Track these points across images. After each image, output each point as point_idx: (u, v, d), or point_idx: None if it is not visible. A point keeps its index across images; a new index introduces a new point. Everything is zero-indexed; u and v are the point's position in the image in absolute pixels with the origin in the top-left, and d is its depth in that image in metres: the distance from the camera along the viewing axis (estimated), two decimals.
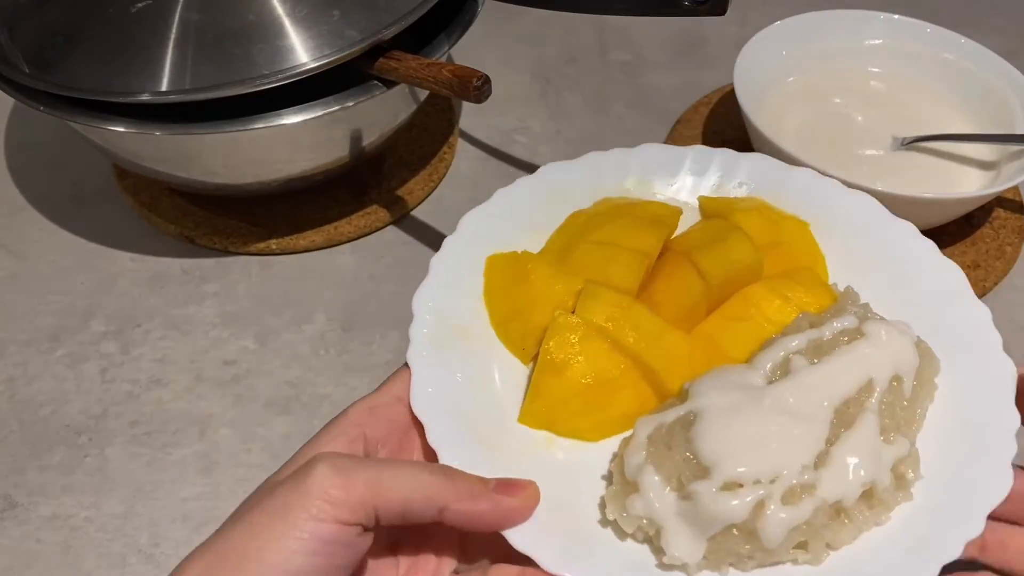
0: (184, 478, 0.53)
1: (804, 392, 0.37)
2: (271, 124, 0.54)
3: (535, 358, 0.41)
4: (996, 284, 0.62)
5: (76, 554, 0.50)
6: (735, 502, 0.34)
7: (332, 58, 0.53)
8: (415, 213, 0.67)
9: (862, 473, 0.35)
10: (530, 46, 0.82)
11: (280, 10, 0.55)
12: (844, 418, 0.37)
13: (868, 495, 0.36)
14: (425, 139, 0.71)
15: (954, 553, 0.35)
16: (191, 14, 0.54)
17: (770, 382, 0.38)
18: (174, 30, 0.54)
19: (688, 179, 0.48)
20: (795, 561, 0.35)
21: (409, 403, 0.39)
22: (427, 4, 0.56)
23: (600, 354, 0.40)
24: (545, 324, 0.41)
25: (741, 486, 0.35)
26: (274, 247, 0.64)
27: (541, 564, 0.35)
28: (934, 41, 0.70)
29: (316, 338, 0.59)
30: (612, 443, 0.40)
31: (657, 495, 0.35)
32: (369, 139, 0.61)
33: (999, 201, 0.67)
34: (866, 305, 0.41)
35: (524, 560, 0.35)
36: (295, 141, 0.57)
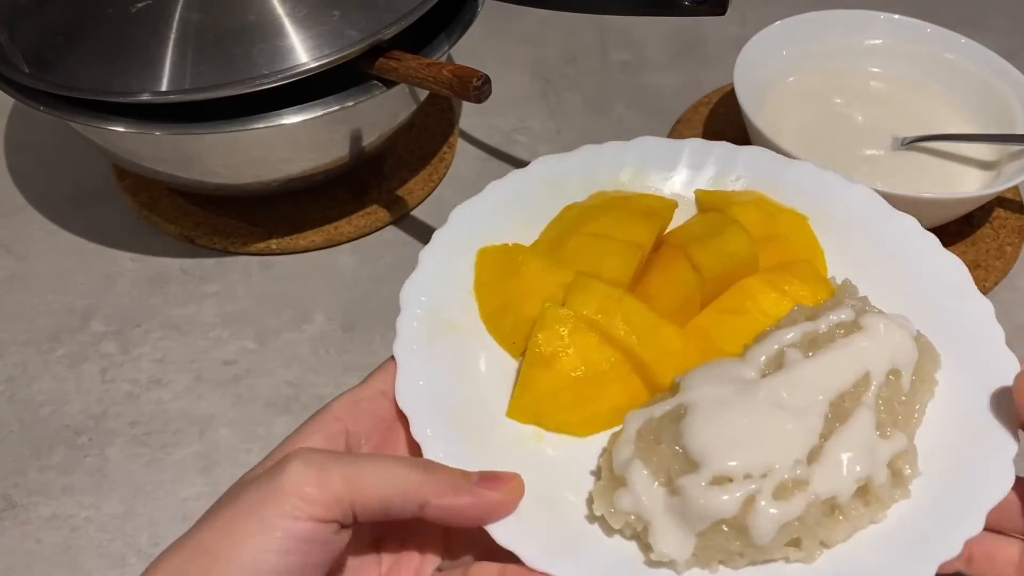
0: (184, 478, 0.53)
1: (798, 385, 0.36)
2: (271, 124, 0.54)
3: (525, 352, 0.41)
4: (996, 284, 0.62)
5: (76, 554, 0.50)
6: (724, 497, 0.33)
7: (332, 58, 0.53)
8: (415, 213, 0.67)
9: (857, 468, 0.35)
10: (530, 46, 0.81)
11: (280, 10, 0.55)
12: (839, 412, 0.36)
13: (864, 491, 0.35)
14: (425, 139, 0.71)
15: (953, 551, 0.34)
16: (191, 14, 0.54)
17: (763, 375, 0.37)
18: (174, 30, 0.54)
19: (685, 172, 0.48)
20: (787, 559, 0.35)
21: (394, 397, 0.38)
22: (427, 4, 0.56)
23: (590, 347, 0.39)
24: (536, 317, 0.40)
25: (731, 480, 0.34)
26: (274, 247, 0.64)
27: (524, 560, 0.34)
28: (934, 41, 0.70)
29: (316, 338, 0.59)
30: (602, 438, 0.39)
31: (645, 490, 0.35)
32: (369, 139, 0.61)
33: (999, 201, 0.67)
34: (864, 298, 0.41)
35: (509, 557, 0.34)
36: (295, 141, 0.57)
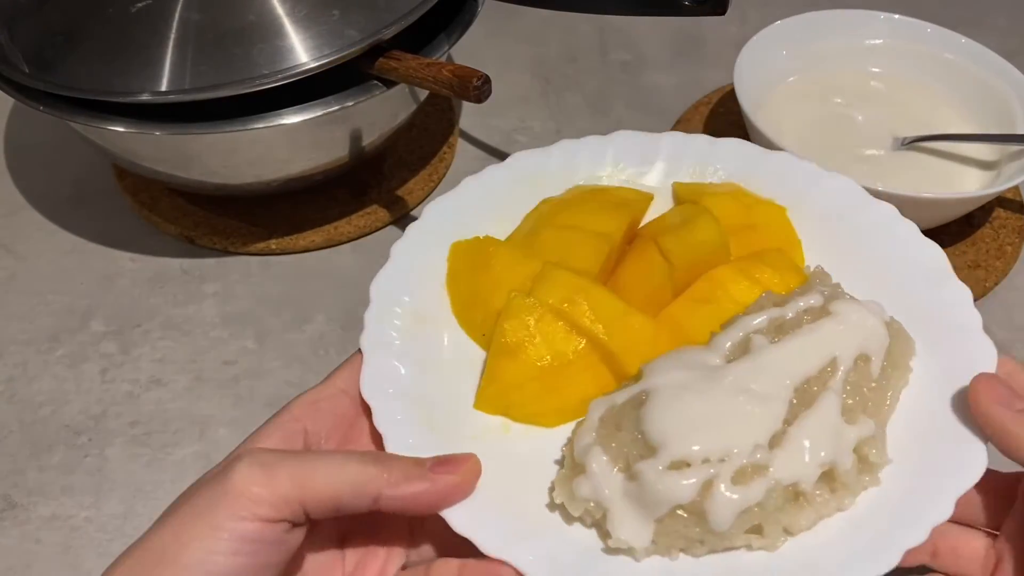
0: (184, 478, 0.53)
1: (762, 371, 0.36)
2: (271, 124, 0.54)
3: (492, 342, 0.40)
4: (996, 284, 0.62)
5: (76, 554, 0.50)
6: (681, 481, 0.33)
7: (332, 58, 0.53)
8: (415, 213, 0.67)
9: (822, 454, 0.34)
10: (530, 46, 0.81)
11: (280, 10, 0.54)
12: (805, 397, 0.35)
13: (829, 478, 0.35)
14: (425, 139, 0.71)
15: (919, 538, 0.33)
16: (191, 14, 0.54)
17: (729, 361, 0.37)
18: (174, 30, 0.54)
19: (664, 166, 0.47)
20: (749, 547, 0.34)
21: (354, 395, 0.38)
22: (427, 4, 0.56)
23: (557, 337, 0.39)
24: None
25: (688, 465, 0.33)
26: (274, 247, 0.64)
27: (480, 547, 0.34)
28: (934, 41, 0.70)
29: (316, 338, 0.59)
30: (570, 429, 0.39)
31: (604, 476, 0.34)
32: (369, 139, 0.61)
33: (999, 201, 0.67)
34: (836, 285, 0.40)
35: (474, 552, 0.34)
36: (295, 141, 0.57)
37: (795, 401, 0.35)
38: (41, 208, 0.67)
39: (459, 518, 0.34)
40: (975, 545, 0.38)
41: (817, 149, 0.63)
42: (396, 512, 0.34)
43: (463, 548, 0.34)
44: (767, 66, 0.67)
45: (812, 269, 0.42)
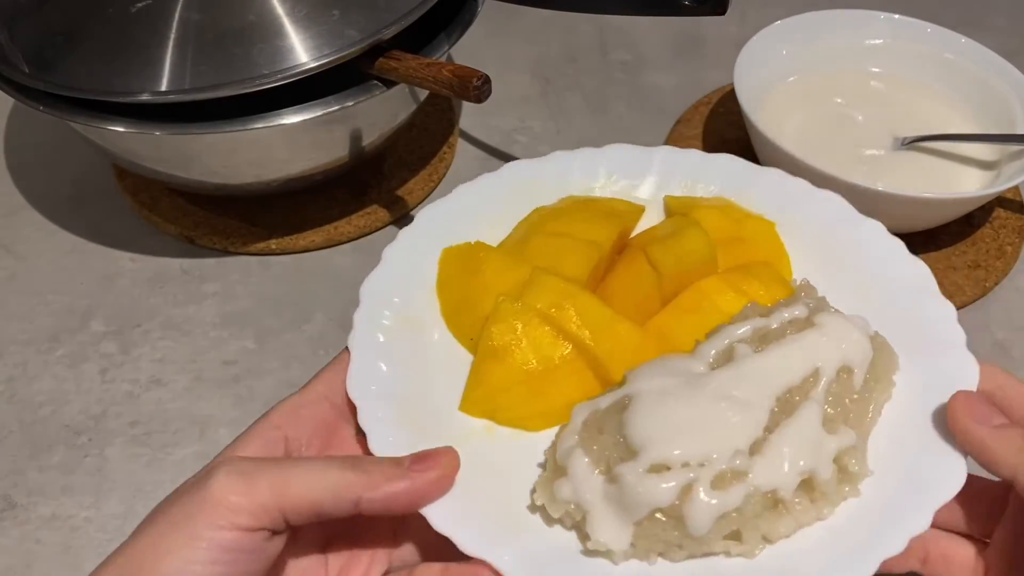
0: (184, 478, 0.52)
1: (745, 379, 0.36)
2: (271, 124, 0.54)
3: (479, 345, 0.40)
4: (996, 284, 0.62)
5: (76, 554, 0.49)
6: (660, 485, 0.33)
7: (332, 58, 0.53)
8: (415, 213, 0.67)
9: (801, 462, 0.34)
10: (530, 46, 0.81)
11: (280, 10, 0.55)
12: (786, 407, 0.36)
13: (809, 487, 0.35)
14: (425, 139, 0.71)
15: (896, 548, 0.33)
16: (191, 14, 0.54)
17: (713, 369, 0.37)
18: (174, 30, 0.54)
19: (656, 179, 0.48)
20: (728, 553, 0.34)
21: (335, 400, 0.38)
22: (427, 4, 0.56)
23: (544, 341, 0.40)
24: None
25: (668, 469, 0.34)
26: (274, 247, 0.64)
27: (460, 546, 0.34)
28: (934, 41, 0.70)
29: (316, 338, 0.59)
30: (554, 433, 0.39)
31: (584, 479, 0.34)
32: (369, 139, 0.61)
33: (999, 201, 0.67)
34: (822, 298, 0.40)
35: (459, 556, 0.34)
36: (295, 141, 0.57)
37: (776, 409, 0.35)
38: (41, 208, 0.67)
39: (440, 517, 0.34)
40: (965, 552, 0.38)
41: (817, 149, 0.63)
42: (378, 513, 0.34)
43: (445, 549, 0.34)
44: (767, 66, 0.67)
45: (799, 282, 0.42)
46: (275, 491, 0.32)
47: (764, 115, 0.64)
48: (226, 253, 0.64)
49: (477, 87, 0.50)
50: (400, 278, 0.42)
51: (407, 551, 0.38)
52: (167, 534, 0.32)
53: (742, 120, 0.63)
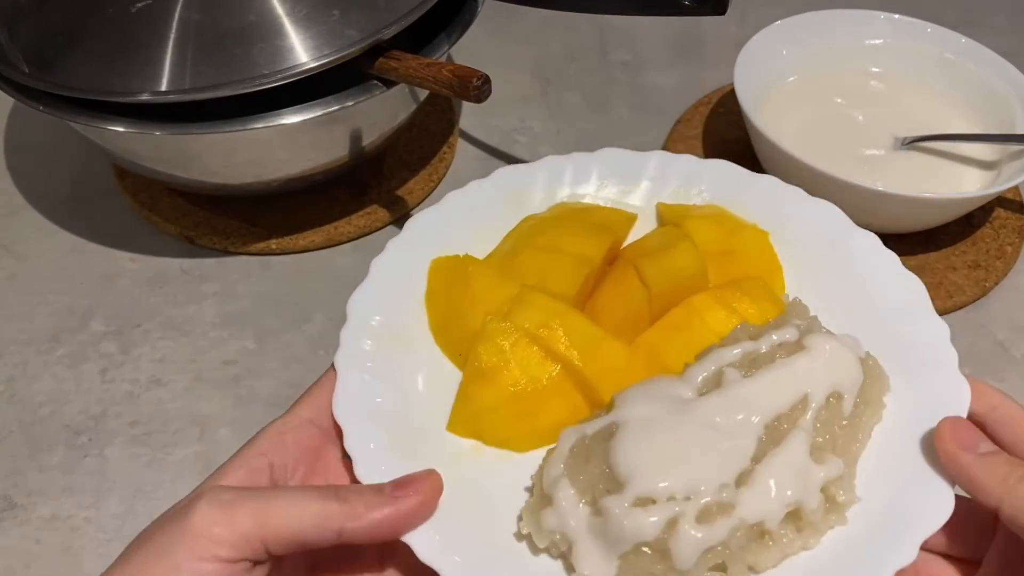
0: (184, 478, 0.53)
1: (733, 406, 0.35)
2: (271, 124, 0.54)
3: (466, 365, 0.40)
4: (996, 284, 0.62)
5: (76, 554, 0.49)
6: (646, 519, 0.33)
7: (332, 58, 0.53)
8: (415, 213, 0.67)
9: (787, 493, 0.34)
10: (530, 46, 0.82)
11: (280, 10, 0.55)
12: (774, 435, 0.35)
13: (795, 517, 0.34)
14: (425, 139, 0.71)
15: None
16: (191, 14, 0.54)
17: (700, 395, 0.36)
18: (174, 30, 0.54)
19: (649, 185, 0.47)
20: None
21: (320, 424, 0.37)
22: (427, 4, 0.56)
23: (532, 362, 0.39)
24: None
25: (654, 502, 0.33)
26: (274, 247, 0.64)
27: None
28: (934, 41, 0.70)
29: (316, 338, 0.59)
30: (541, 454, 0.38)
31: (570, 509, 0.34)
32: (369, 139, 0.61)
33: (999, 201, 0.67)
34: (813, 318, 0.40)
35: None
36: (295, 141, 0.57)
37: (764, 438, 0.35)
38: (41, 208, 0.67)
39: (425, 547, 0.34)
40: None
41: (817, 149, 0.63)
42: (362, 542, 0.34)
43: (432, 574, 0.34)
44: (767, 66, 0.67)
45: (790, 300, 0.42)
46: (257, 522, 0.32)
47: (764, 115, 0.64)
48: (226, 253, 0.64)
49: (477, 87, 0.50)
50: (387, 292, 0.42)
51: (390, 573, 0.37)
52: (149, 564, 0.32)
53: (742, 120, 0.63)
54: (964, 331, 0.60)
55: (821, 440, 0.36)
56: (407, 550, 0.34)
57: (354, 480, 0.36)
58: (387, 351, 0.40)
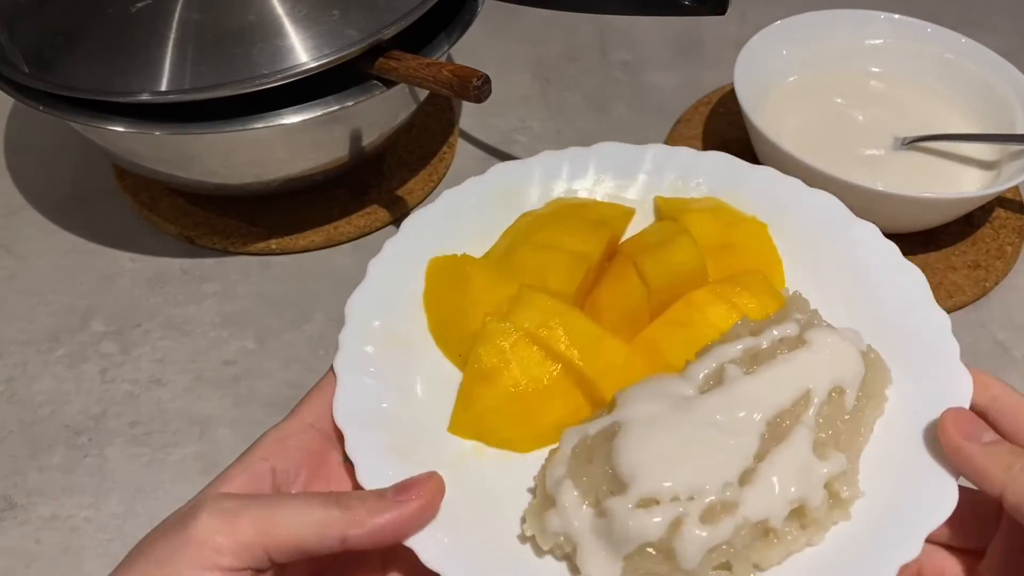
0: (184, 478, 0.53)
1: (735, 404, 0.35)
2: (271, 124, 0.54)
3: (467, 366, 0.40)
4: (996, 284, 0.62)
5: (76, 554, 0.49)
6: (650, 519, 0.33)
7: (332, 58, 0.53)
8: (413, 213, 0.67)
9: (791, 490, 0.34)
10: (530, 46, 0.82)
11: (280, 10, 0.54)
12: (776, 432, 0.35)
13: (799, 514, 0.34)
14: (425, 139, 0.71)
15: None
16: (191, 14, 0.54)
17: (702, 392, 0.36)
18: (174, 30, 0.54)
19: (646, 179, 0.47)
20: None
21: (322, 428, 0.37)
22: (427, 4, 0.56)
23: (532, 362, 0.39)
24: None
25: (657, 503, 0.33)
26: (274, 247, 0.64)
27: None
28: (935, 41, 0.70)
29: (315, 338, 0.59)
30: (543, 455, 0.38)
31: (574, 511, 0.34)
32: (369, 139, 0.61)
33: (999, 201, 0.67)
34: (814, 311, 0.40)
35: None
36: (295, 141, 0.57)
37: (767, 435, 0.35)
38: (41, 208, 0.67)
39: (429, 551, 0.34)
40: (960, 567, 0.37)
41: (817, 149, 0.63)
42: (365, 548, 0.34)
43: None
44: (767, 66, 0.67)
45: (790, 294, 0.42)
46: (258, 531, 0.32)
47: (764, 115, 0.64)
48: (226, 253, 0.64)
49: (477, 87, 0.50)
50: (385, 293, 0.42)
51: (396, 570, 0.37)
52: (150, 572, 0.32)
53: (742, 120, 0.63)
54: (964, 331, 0.59)
55: (824, 436, 0.36)
56: (410, 554, 0.34)
57: (356, 485, 0.36)
58: (386, 353, 0.40)
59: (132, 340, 0.59)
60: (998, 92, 0.67)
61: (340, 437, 0.37)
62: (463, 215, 0.45)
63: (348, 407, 0.38)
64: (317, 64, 0.52)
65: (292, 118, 0.54)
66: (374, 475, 0.36)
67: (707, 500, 0.33)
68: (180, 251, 0.64)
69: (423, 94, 0.63)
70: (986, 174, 0.64)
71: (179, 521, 0.33)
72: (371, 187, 0.67)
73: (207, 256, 0.64)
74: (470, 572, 0.34)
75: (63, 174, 0.69)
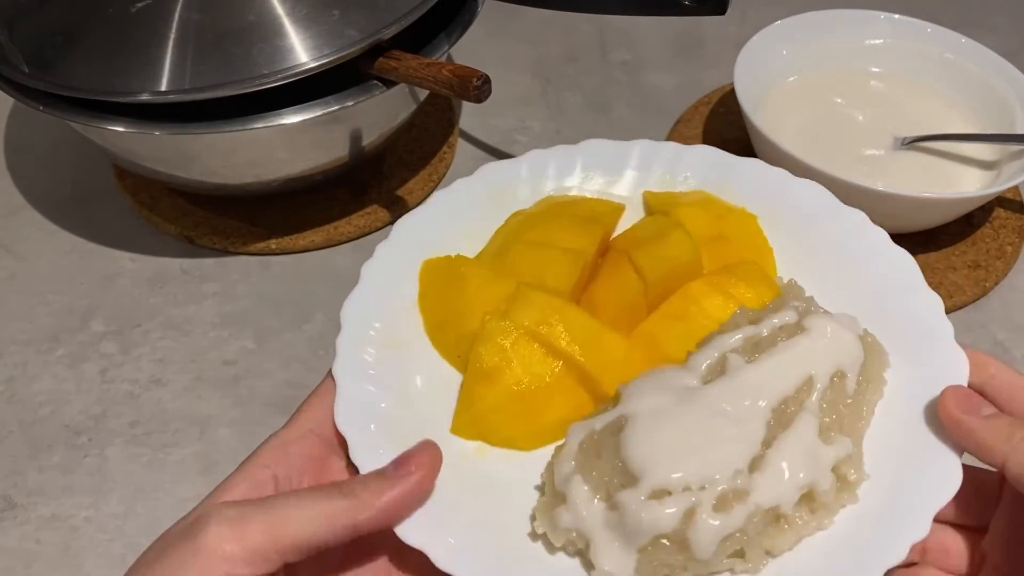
0: (184, 478, 0.53)
1: (740, 392, 0.36)
2: (271, 124, 0.54)
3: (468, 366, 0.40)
4: (996, 284, 0.62)
5: (76, 554, 0.50)
6: (663, 511, 0.33)
7: (332, 58, 0.53)
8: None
9: (801, 476, 0.34)
10: (530, 46, 0.82)
11: (280, 10, 0.55)
12: (782, 418, 0.35)
13: (808, 499, 0.35)
14: (425, 139, 0.71)
15: (899, 557, 0.33)
16: (191, 14, 0.54)
17: (706, 383, 0.36)
18: (174, 30, 0.54)
19: (634, 174, 0.47)
20: (732, 570, 0.34)
21: (323, 433, 0.37)
22: (427, 4, 0.56)
23: (533, 359, 0.39)
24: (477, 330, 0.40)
25: (669, 494, 0.33)
26: (274, 247, 0.64)
27: None
28: (934, 41, 0.70)
29: (315, 338, 0.59)
30: (548, 452, 0.38)
31: (585, 506, 0.34)
32: (369, 139, 0.61)
33: (999, 201, 0.67)
34: (810, 299, 0.40)
35: None
36: (295, 141, 0.57)
37: (772, 422, 0.35)
38: (41, 208, 0.67)
39: (440, 553, 0.34)
40: (963, 543, 0.38)
41: (817, 149, 0.63)
42: (377, 529, 0.34)
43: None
44: (767, 66, 0.67)
45: (785, 282, 0.42)
46: (269, 534, 0.32)
47: (764, 115, 0.64)
48: (226, 253, 0.64)
49: (477, 87, 0.50)
50: (380, 297, 0.41)
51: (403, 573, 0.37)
52: None
53: (742, 120, 0.63)
54: (964, 331, 0.60)
55: (828, 420, 0.36)
56: (419, 559, 0.34)
57: None
58: (384, 357, 0.40)
59: (132, 340, 0.59)
60: (998, 92, 0.67)
61: (341, 442, 0.37)
62: (454, 216, 0.45)
63: (348, 413, 0.38)
64: (317, 64, 0.52)
65: (292, 118, 0.54)
66: None
67: (719, 489, 0.33)
68: (180, 251, 0.64)
69: (423, 94, 0.63)
70: (986, 174, 0.64)
71: (185, 532, 0.32)
72: (371, 187, 0.67)
73: (207, 256, 0.64)
74: (483, 573, 0.34)
75: (63, 174, 0.69)
